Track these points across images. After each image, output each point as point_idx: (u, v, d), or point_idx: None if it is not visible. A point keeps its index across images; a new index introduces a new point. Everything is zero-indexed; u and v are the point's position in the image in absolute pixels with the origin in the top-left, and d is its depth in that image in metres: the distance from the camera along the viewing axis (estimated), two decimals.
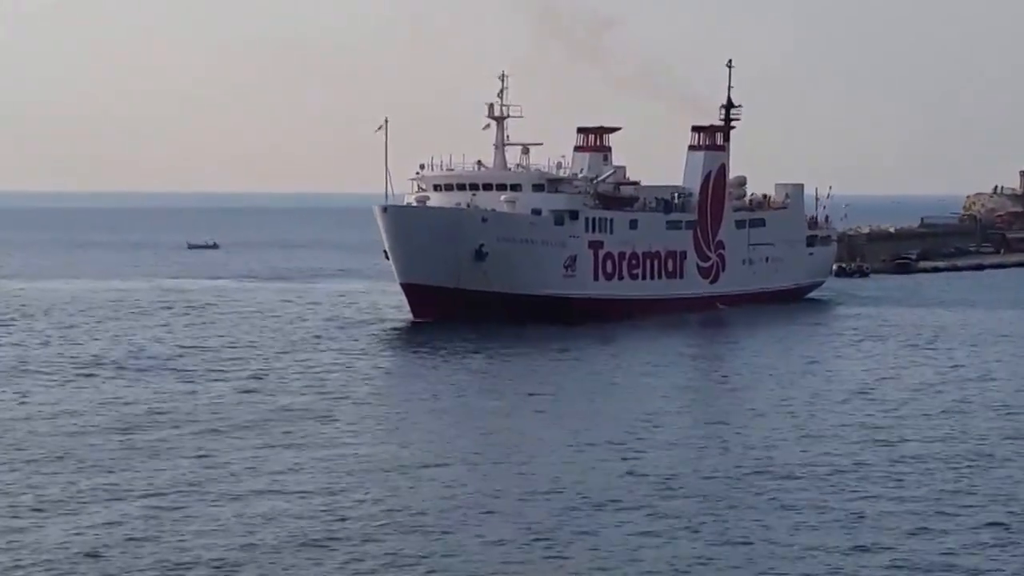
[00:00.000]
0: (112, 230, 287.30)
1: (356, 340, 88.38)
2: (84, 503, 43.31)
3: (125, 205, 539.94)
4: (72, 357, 77.72)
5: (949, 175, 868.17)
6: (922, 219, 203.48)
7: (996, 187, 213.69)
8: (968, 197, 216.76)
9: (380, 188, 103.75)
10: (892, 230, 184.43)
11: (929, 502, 44.57)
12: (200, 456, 50.74)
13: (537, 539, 39.82)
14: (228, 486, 45.94)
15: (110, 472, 47.54)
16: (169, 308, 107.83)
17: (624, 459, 50.91)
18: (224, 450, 51.88)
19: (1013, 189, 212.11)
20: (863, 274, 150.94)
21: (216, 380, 69.87)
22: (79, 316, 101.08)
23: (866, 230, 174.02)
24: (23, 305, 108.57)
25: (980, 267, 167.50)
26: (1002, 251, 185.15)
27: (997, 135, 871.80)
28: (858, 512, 43.15)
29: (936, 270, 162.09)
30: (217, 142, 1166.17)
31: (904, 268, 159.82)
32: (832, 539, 40.08)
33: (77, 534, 39.82)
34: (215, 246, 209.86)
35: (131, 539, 39.28)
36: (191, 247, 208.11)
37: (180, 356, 78.98)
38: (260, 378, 70.78)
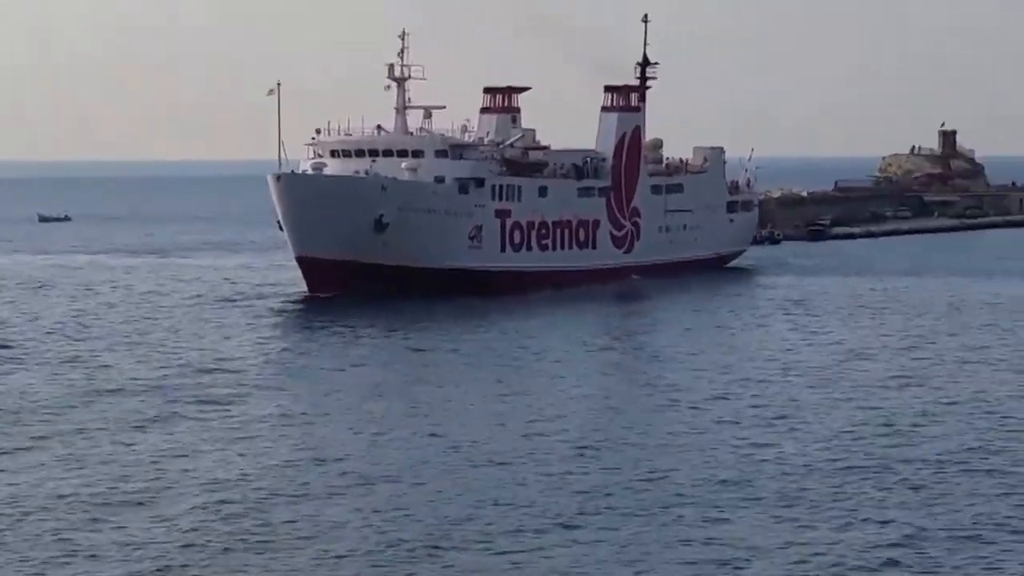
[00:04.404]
0: None
1: (248, 319, 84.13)
2: None
3: None
4: None
5: (864, 135, 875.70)
6: (836, 183, 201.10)
7: (913, 147, 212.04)
8: (884, 159, 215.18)
9: (273, 155, 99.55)
10: (804, 194, 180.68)
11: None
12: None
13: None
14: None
15: None
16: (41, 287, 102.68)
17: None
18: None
19: (931, 149, 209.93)
20: (774, 241, 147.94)
21: (85, 367, 64.47)
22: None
23: (777, 194, 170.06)
24: None
25: (897, 232, 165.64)
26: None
27: (915, 93, 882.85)
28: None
29: (851, 236, 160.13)
30: (79, 106, 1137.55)
31: (817, 235, 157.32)
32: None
33: None
34: (67, 219, 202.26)
35: None
36: (43, 220, 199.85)
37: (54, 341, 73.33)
38: (143, 362, 66.03)
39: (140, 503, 40.22)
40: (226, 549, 35.72)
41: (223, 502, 40.05)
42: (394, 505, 40.03)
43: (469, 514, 39.08)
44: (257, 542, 36.37)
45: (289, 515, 38.91)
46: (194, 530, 37.26)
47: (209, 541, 36.29)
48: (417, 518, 38.57)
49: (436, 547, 35.97)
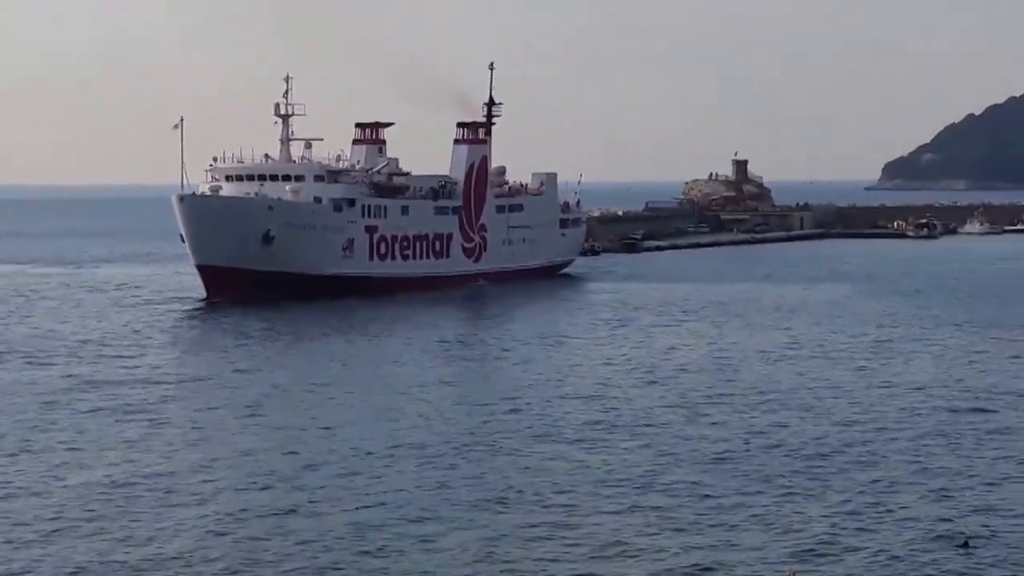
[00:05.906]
0: None
1: (149, 322, 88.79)
2: None
3: None
4: None
5: (670, 163, 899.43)
6: (646, 203, 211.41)
7: (711, 174, 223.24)
8: (687, 183, 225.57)
9: (177, 180, 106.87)
10: (620, 213, 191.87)
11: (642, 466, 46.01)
12: None
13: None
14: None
15: None
16: None
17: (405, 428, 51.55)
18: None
19: (727, 175, 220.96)
20: (595, 253, 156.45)
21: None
22: None
23: (597, 213, 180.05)
24: None
25: (698, 246, 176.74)
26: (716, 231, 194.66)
27: (712, 127, 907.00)
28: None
29: (659, 249, 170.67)
30: None
31: (631, 247, 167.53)
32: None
33: None
34: None
35: None
36: None
37: None
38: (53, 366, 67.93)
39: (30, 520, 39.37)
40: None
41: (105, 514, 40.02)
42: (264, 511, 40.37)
43: (353, 516, 39.55)
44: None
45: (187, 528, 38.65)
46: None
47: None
48: (296, 533, 38.38)
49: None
